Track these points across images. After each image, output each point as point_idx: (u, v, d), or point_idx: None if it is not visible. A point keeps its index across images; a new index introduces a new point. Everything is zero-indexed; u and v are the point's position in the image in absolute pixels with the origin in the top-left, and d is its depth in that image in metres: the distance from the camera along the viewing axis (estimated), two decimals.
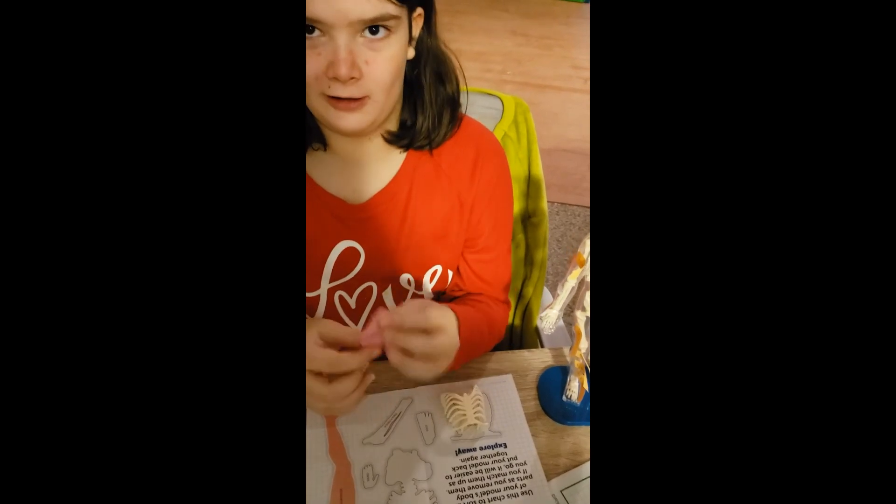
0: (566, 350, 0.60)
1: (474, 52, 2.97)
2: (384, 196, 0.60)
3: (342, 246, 0.59)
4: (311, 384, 0.49)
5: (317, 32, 0.46)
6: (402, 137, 0.57)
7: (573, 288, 0.52)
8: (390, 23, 0.47)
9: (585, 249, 0.50)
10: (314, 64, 0.47)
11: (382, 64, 0.48)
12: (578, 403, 0.61)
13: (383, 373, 0.65)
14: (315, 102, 0.50)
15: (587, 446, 0.58)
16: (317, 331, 0.49)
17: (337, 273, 0.61)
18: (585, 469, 0.56)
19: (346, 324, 0.64)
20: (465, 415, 0.60)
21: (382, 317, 0.48)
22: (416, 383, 0.64)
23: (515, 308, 0.83)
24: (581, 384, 0.61)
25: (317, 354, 0.48)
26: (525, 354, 0.68)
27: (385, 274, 0.62)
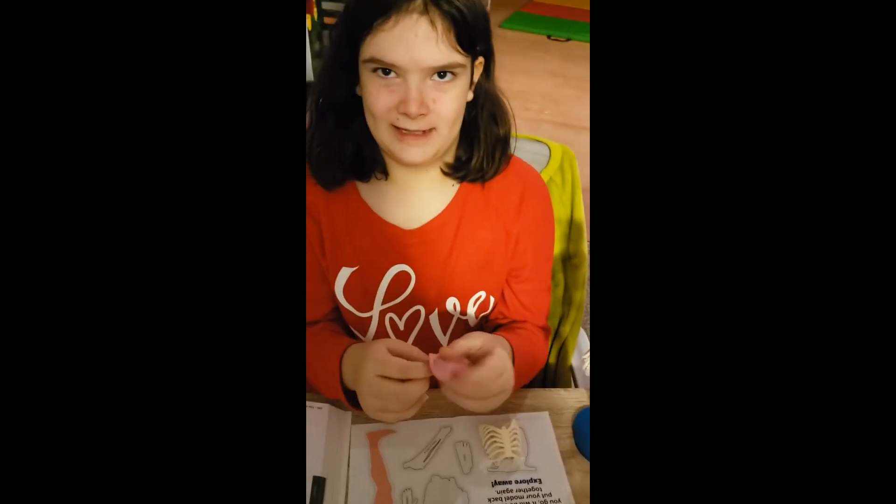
0: None
1: (514, 91, 3.05)
2: (437, 224, 0.65)
3: (395, 269, 0.64)
4: (382, 385, 0.52)
5: (392, 74, 0.52)
6: (458, 170, 0.63)
7: None
8: (457, 69, 0.53)
9: None
10: (387, 99, 0.53)
11: (447, 103, 0.54)
12: None
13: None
14: (383, 134, 0.56)
15: None
16: (386, 345, 0.54)
17: (389, 296, 0.65)
18: None
19: None
20: (502, 447, 0.62)
21: (448, 357, 0.53)
22: (456, 412, 0.67)
23: (552, 346, 0.85)
24: None
25: (389, 360, 0.52)
26: (561, 393, 0.71)
27: (432, 298, 0.66)
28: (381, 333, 0.68)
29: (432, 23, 0.50)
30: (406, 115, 0.53)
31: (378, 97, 0.53)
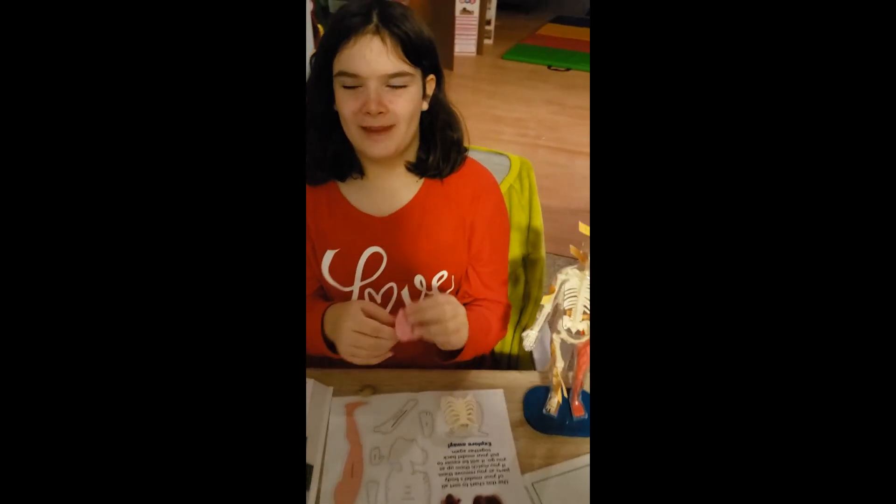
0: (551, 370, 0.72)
1: (512, 118, 3.22)
2: (404, 212, 0.78)
3: (370, 251, 0.78)
4: (358, 338, 0.68)
5: (356, 86, 0.67)
6: (419, 168, 0.77)
7: (548, 314, 0.66)
8: (406, 79, 0.68)
9: (555, 283, 0.63)
10: (353, 104, 0.68)
11: (402, 104, 0.69)
12: (555, 416, 0.73)
13: (395, 378, 0.79)
14: (353, 134, 0.71)
15: (559, 451, 0.69)
16: (360, 306, 0.69)
17: (366, 273, 0.78)
18: (555, 469, 0.67)
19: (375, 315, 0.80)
20: (458, 415, 0.72)
21: (408, 309, 0.67)
22: (422, 388, 0.77)
23: (513, 336, 0.96)
24: (558, 399, 0.72)
25: (364, 320, 0.68)
26: (516, 374, 0.81)
27: (402, 275, 0.79)
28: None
29: (383, 40, 0.65)
30: (368, 114, 0.67)
31: (346, 104, 0.68)
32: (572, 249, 0.60)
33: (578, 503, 0.63)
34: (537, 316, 0.66)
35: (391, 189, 0.79)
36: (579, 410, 0.73)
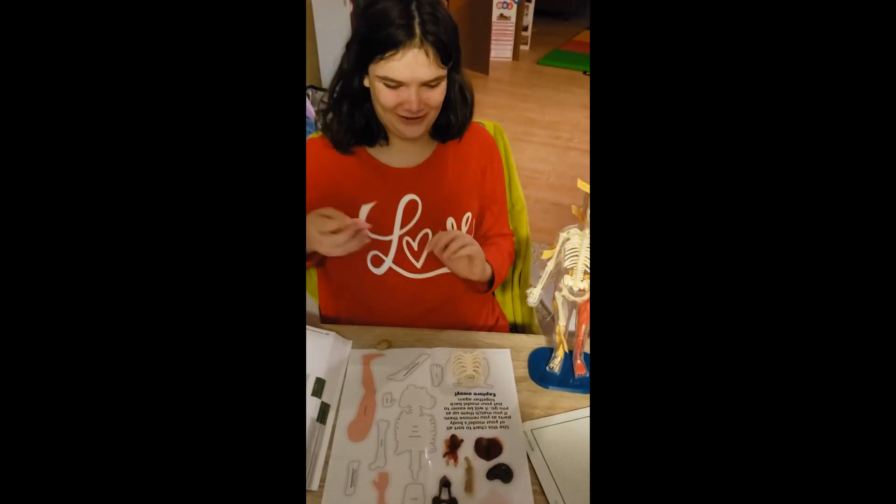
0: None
1: (546, 121, 3.26)
2: (430, 161, 0.87)
3: (406, 199, 0.86)
4: (320, 237, 0.74)
5: (398, 87, 0.75)
6: (440, 134, 0.87)
7: (551, 271, 0.70)
8: (441, 77, 0.75)
9: (562, 237, 0.68)
10: (394, 100, 0.76)
11: (435, 99, 0.78)
12: (558, 373, 0.77)
13: (410, 335, 0.85)
14: (389, 120, 0.79)
15: (558, 404, 0.73)
16: (318, 213, 0.75)
17: (404, 220, 0.86)
18: (554, 419, 0.71)
19: (410, 262, 0.88)
20: (465, 367, 0.77)
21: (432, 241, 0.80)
22: (435, 345, 0.83)
23: (514, 305, 1.04)
24: (560, 357, 0.77)
25: (322, 220, 0.75)
26: (524, 337, 0.85)
27: (435, 220, 0.87)
28: (399, 255, 0.87)
29: (426, 53, 0.72)
30: (409, 111, 0.75)
31: (388, 99, 0.75)
32: (573, 209, 0.65)
33: (573, 447, 0.67)
34: (540, 273, 0.70)
35: (415, 148, 0.88)
36: (581, 369, 0.77)
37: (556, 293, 0.72)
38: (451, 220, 0.89)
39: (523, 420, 0.71)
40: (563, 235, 0.68)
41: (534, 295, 0.71)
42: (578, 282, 0.69)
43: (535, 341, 0.84)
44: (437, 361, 0.80)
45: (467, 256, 0.79)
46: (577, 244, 0.68)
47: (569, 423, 0.70)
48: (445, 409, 0.73)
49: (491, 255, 0.87)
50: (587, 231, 0.67)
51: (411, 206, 0.86)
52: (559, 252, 0.69)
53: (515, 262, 1.04)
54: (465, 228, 0.90)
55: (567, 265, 0.69)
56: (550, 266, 0.70)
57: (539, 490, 0.62)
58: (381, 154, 0.86)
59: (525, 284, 1.07)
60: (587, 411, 0.72)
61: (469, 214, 0.90)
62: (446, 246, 0.77)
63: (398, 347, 0.82)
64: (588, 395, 0.74)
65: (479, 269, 0.82)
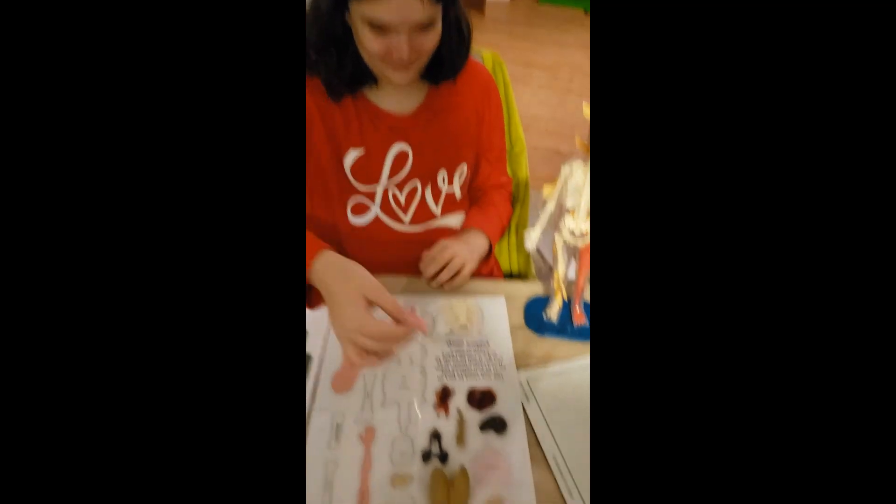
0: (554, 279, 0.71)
1: (546, 62, 3.10)
2: (423, 108, 0.78)
3: (396, 148, 0.78)
4: (364, 341, 0.57)
5: (386, 31, 0.63)
6: (432, 76, 0.76)
7: (552, 212, 0.64)
8: (434, 18, 0.65)
9: (565, 171, 0.62)
10: (381, 47, 0.64)
11: (428, 43, 0.67)
12: (555, 322, 0.72)
13: (398, 283, 0.80)
14: (377, 65, 0.69)
15: (555, 353, 0.69)
16: (364, 294, 0.59)
17: (393, 171, 0.79)
18: (551, 368, 0.67)
19: (397, 214, 0.82)
20: (458, 316, 0.72)
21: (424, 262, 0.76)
22: (426, 292, 0.78)
23: (516, 253, 0.98)
24: (558, 305, 0.72)
25: (371, 323, 0.58)
26: (519, 284, 0.80)
27: (427, 172, 0.81)
28: (385, 206, 0.81)
29: None
30: (399, 59, 0.65)
31: (373, 44, 0.64)
32: (578, 141, 0.58)
33: (571, 397, 0.63)
34: (539, 212, 0.64)
35: (406, 90, 0.78)
36: (580, 318, 0.72)
37: (556, 235, 0.66)
38: (443, 174, 0.82)
39: (518, 370, 0.67)
40: (565, 170, 0.61)
41: (532, 237, 0.65)
42: (581, 223, 0.63)
43: (532, 289, 0.79)
44: (428, 310, 0.75)
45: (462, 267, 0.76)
46: (580, 180, 0.61)
47: (566, 373, 0.67)
48: (436, 359, 0.68)
49: (485, 220, 0.83)
50: None
51: (401, 157, 0.78)
52: (560, 189, 0.62)
53: (513, 208, 0.97)
54: (458, 182, 0.84)
55: (569, 205, 0.62)
56: (550, 205, 0.63)
57: (535, 442, 0.59)
58: (371, 95, 0.77)
59: (522, 232, 1.01)
60: (586, 360, 0.68)
61: (464, 166, 0.83)
62: (436, 274, 0.75)
63: None
64: (587, 344, 0.70)
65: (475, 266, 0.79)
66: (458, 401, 0.63)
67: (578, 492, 0.54)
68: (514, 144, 0.96)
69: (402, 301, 0.76)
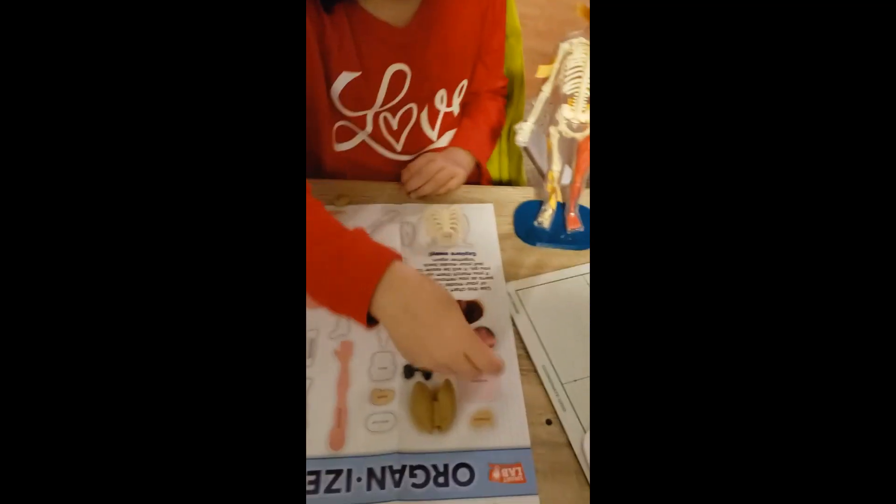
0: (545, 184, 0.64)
1: None
2: (421, 16, 0.66)
3: (393, 69, 0.67)
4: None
5: None
6: None
7: (546, 100, 0.56)
8: None
9: (563, 48, 0.52)
10: None
11: None
12: (547, 228, 0.66)
13: (376, 190, 0.72)
14: None
15: (547, 262, 0.64)
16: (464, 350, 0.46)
17: (389, 96, 0.69)
18: (541, 278, 0.62)
19: (388, 141, 0.74)
20: (441, 225, 0.66)
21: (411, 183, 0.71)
22: (405, 201, 0.71)
23: (508, 163, 0.89)
24: (551, 209, 0.65)
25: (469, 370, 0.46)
26: (509, 190, 0.73)
27: (425, 93, 0.71)
28: (375, 132, 0.73)
29: None
30: None
31: None
32: (579, 7, 0.48)
33: (563, 308, 0.59)
34: (532, 102, 0.56)
35: None
36: (574, 223, 0.66)
37: (551, 128, 0.58)
38: (441, 93, 0.73)
39: (507, 281, 0.62)
40: (564, 47, 0.52)
41: (523, 131, 0.57)
42: (580, 113, 0.55)
43: (522, 194, 0.72)
44: (408, 219, 0.68)
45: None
46: (581, 60, 0.52)
47: (558, 283, 0.61)
48: (419, 270, 0.63)
49: (473, 136, 0.77)
50: None
51: (398, 78, 0.68)
52: (558, 71, 0.53)
53: (507, 108, 0.87)
54: (458, 100, 0.76)
55: (567, 90, 0.54)
56: (546, 90, 0.55)
57: (524, 354, 0.55)
58: (367, 4, 0.64)
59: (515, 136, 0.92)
60: (580, 269, 0.63)
61: (464, 83, 0.75)
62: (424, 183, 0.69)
63: (361, 204, 0.70)
64: (581, 253, 0.65)
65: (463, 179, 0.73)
66: None
67: (571, 404, 0.51)
68: (510, 35, 0.85)
69: (382, 210, 0.69)
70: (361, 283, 0.46)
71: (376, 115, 0.71)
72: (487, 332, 0.54)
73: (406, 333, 0.46)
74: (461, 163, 0.75)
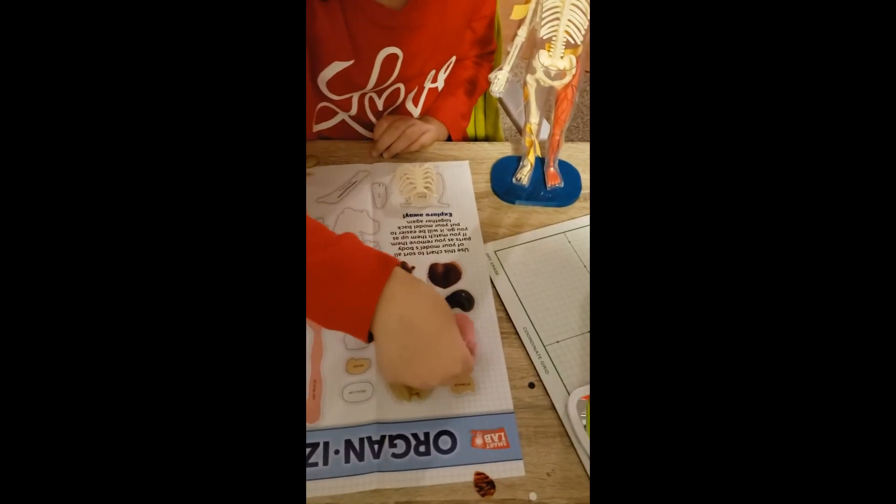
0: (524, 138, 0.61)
1: None
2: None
3: (385, 52, 0.62)
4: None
5: None
6: None
7: (522, 45, 0.52)
8: None
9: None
10: None
11: None
12: (526, 185, 0.63)
13: (344, 150, 0.68)
14: None
15: (526, 220, 0.61)
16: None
17: (380, 79, 0.64)
18: (521, 237, 0.60)
19: (370, 121, 0.71)
20: (414, 184, 0.62)
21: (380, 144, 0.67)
22: (376, 160, 0.67)
23: (484, 120, 0.85)
24: (530, 165, 0.62)
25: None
26: (485, 145, 0.70)
27: (414, 73, 0.67)
28: (360, 113, 0.69)
29: None
30: None
31: None
32: None
33: (545, 267, 0.57)
34: (508, 48, 0.52)
35: None
36: (554, 178, 0.63)
37: (528, 77, 0.54)
38: (431, 74, 0.70)
39: (485, 241, 0.59)
40: None
41: (499, 80, 0.53)
42: (557, 59, 0.51)
43: (500, 150, 0.69)
44: (380, 179, 0.65)
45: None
46: (557, 1, 0.48)
47: (539, 242, 0.59)
48: (392, 233, 0.60)
49: (449, 105, 0.73)
50: None
51: (390, 61, 0.63)
52: (534, 12, 0.49)
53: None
54: (443, 76, 0.73)
55: (543, 34, 0.50)
56: (522, 34, 0.51)
57: (505, 317, 0.53)
58: None
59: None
60: (561, 227, 0.61)
61: (453, 59, 0.72)
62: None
63: (329, 164, 0.66)
64: (562, 210, 0.62)
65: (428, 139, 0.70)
66: (420, 277, 0.56)
67: (553, 365, 0.49)
68: None
69: (352, 171, 0.65)
70: (362, 298, 0.42)
71: (362, 97, 0.67)
72: (468, 321, 0.51)
73: (398, 350, 0.42)
74: (432, 124, 0.72)
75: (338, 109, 0.69)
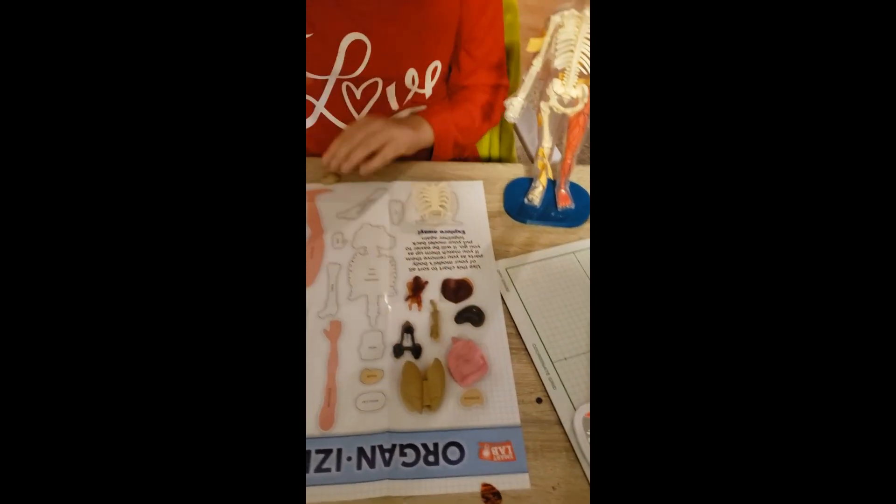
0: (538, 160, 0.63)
1: None
2: None
3: (350, 38, 0.64)
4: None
5: None
6: None
7: (537, 74, 0.54)
8: None
9: (555, 21, 0.51)
10: None
11: None
12: (538, 206, 0.65)
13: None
14: None
15: (537, 240, 0.63)
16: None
17: (347, 66, 0.66)
18: (532, 256, 0.62)
19: (350, 113, 0.72)
20: (429, 202, 0.65)
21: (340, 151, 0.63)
22: (394, 178, 0.69)
23: (499, 140, 0.87)
24: (542, 187, 0.65)
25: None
26: (499, 167, 0.72)
27: (390, 69, 0.68)
28: (335, 100, 0.70)
29: None
30: None
31: None
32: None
33: (554, 286, 0.58)
34: (523, 77, 0.55)
35: None
36: (565, 200, 0.65)
37: (542, 104, 0.57)
38: (412, 73, 0.69)
39: (497, 258, 0.61)
40: (555, 20, 0.51)
41: (514, 106, 0.56)
42: (570, 88, 0.54)
43: (512, 171, 0.71)
44: (397, 197, 0.67)
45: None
46: (572, 33, 0.51)
47: (549, 261, 0.61)
48: (407, 248, 0.62)
49: (442, 112, 0.70)
50: (588, 12, 0.50)
51: (357, 48, 0.64)
52: (549, 44, 0.52)
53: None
54: (430, 83, 0.71)
55: (558, 64, 0.52)
56: (537, 64, 0.53)
57: (514, 332, 0.55)
58: None
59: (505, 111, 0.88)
60: (570, 247, 0.62)
61: (436, 64, 0.70)
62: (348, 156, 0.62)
63: (349, 182, 0.69)
64: (572, 230, 0.64)
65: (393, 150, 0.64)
66: (432, 292, 0.58)
67: (561, 381, 0.51)
68: (506, 11, 0.80)
69: (371, 188, 0.68)
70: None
71: (338, 83, 0.68)
72: (471, 344, 0.53)
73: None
74: (410, 123, 0.67)
75: (313, 101, 0.69)
